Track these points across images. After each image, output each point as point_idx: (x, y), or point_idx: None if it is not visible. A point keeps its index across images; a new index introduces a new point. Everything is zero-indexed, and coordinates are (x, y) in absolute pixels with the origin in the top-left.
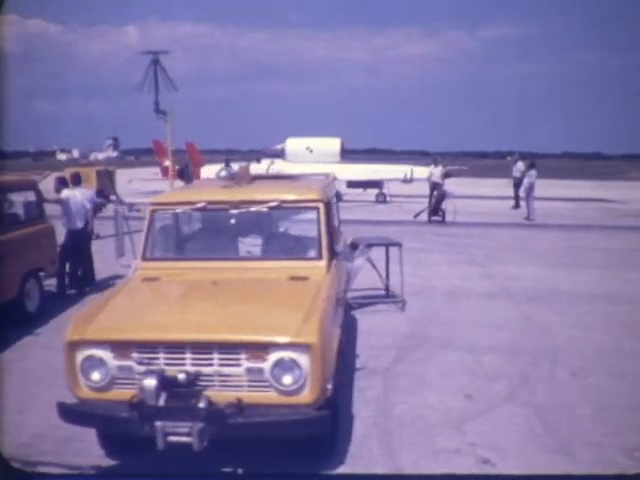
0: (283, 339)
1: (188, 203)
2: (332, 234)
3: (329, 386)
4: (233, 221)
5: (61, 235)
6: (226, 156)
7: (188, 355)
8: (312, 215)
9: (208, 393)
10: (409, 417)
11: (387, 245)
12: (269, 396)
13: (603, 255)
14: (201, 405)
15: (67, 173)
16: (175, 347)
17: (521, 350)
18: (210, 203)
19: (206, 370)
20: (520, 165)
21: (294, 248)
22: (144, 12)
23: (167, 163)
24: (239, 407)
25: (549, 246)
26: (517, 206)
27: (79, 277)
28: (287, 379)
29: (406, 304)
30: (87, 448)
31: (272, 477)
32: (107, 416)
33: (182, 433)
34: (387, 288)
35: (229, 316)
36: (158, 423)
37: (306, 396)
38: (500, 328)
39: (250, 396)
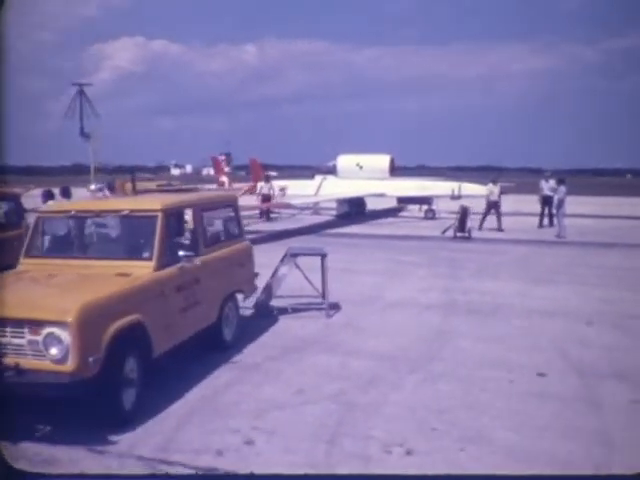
0: (49, 317)
1: (64, 212)
2: (173, 239)
3: (91, 359)
4: (93, 227)
5: None
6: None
7: (4, 327)
8: (152, 222)
9: (18, 360)
10: (223, 403)
11: (312, 255)
12: (44, 364)
13: (604, 273)
14: None
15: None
16: None
17: (400, 357)
18: (78, 212)
19: (3, 340)
20: (552, 183)
21: (133, 249)
22: (262, 31)
23: (223, 178)
24: (17, 370)
25: (554, 263)
26: (543, 224)
27: None
28: (53, 350)
29: (340, 310)
30: None
31: (272, 477)
32: None
33: None
34: (323, 296)
35: (29, 299)
36: None
37: (70, 366)
38: (402, 335)
39: (31, 363)
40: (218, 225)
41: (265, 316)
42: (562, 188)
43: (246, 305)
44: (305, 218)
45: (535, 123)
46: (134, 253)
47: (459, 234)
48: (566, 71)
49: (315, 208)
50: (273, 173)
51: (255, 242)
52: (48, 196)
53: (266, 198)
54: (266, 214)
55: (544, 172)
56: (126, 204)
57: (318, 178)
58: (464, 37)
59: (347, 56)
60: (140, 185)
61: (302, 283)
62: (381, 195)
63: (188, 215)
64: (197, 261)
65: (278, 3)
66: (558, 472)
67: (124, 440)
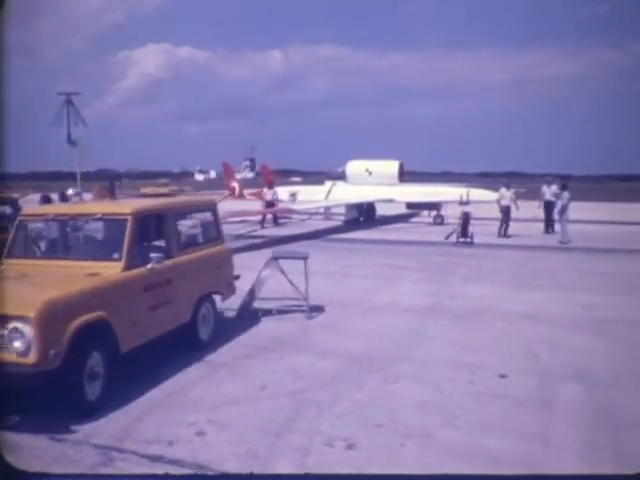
0: (13, 312)
1: (42, 215)
2: (144, 241)
3: (52, 352)
4: (69, 229)
5: None
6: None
7: None
8: (122, 225)
9: None
10: (186, 397)
11: (294, 258)
12: (10, 356)
13: (595, 279)
14: None
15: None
16: None
17: (369, 358)
18: (56, 216)
19: None
20: (554, 188)
21: (104, 251)
22: (287, 37)
23: (234, 184)
24: None
25: (548, 268)
26: (548, 230)
27: None
28: (17, 344)
29: (323, 313)
30: None
31: (272, 477)
32: None
33: None
34: (305, 298)
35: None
36: None
37: (31, 358)
38: (377, 337)
39: (2, 355)
40: (196, 229)
41: (249, 318)
42: (565, 194)
43: (231, 307)
44: (315, 224)
45: (563, 128)
46: (105, 254)
47: (461, 239)
48: (595, 75)
49: (327, 213)
50: (296, 179)
51: (257, 247)
52: (46, 201)
53: (270, 204)
54: (274, 220)
55: (545, 177)
56: (99, 208)
57: (328, 184)
58: (490, 42)
59: (372, 61)
60: (153, 190)
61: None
62: (390, 201)
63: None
64: (169, 262)
65: (303, 9)
66: (558, 472)
67: (85, 429)
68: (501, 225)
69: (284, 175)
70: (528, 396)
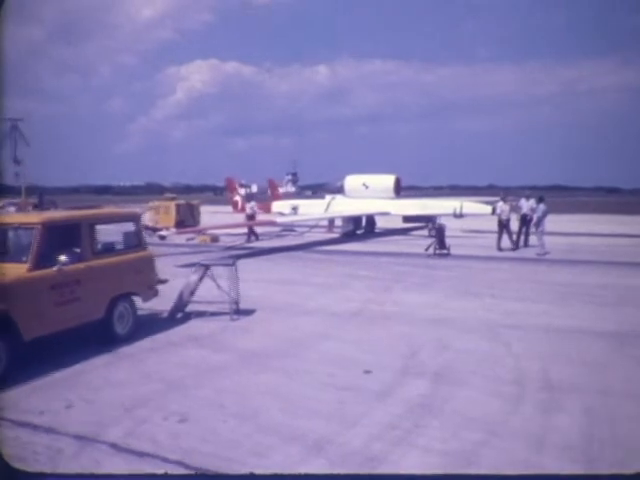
0: None
1: None
2: (54, 246)
3: None
4: None
5: None
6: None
7: None
8: (32, 233)
9: None
10: (78, 380)
11: (221, 265)
12: None
13: (544, 288)
14: None
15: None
16: None
17: (260, 353)
18: None
19: None
20: (532, 202)
21: (17, 254)
22: (334, 52)
23: (236, 198)
24: None
25: (500, 279)
26: (517, 244)
27: None
28: None
29: (251, 315)
30: None
31: (272, 477)
32: None
33: None
34: (236, 302)
35: None
36: None
37: None
38: (281, 337)
39: None
40: (115, 236)
41: (182, 319)
42: (541, 207)
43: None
44: (313, 236)
45: (612, 140)
46: (16, 257)
47: (438, 251)
48: None
49: (330, 226)
50: (307, 192)
51: (244, 257)
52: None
53: (250, 217)
54: (251, 233)
55: (524, 192)
56: (17, 219)
57: (328, 197)
58: (538, 54)
59: (419, 75)
60: (159, 204)
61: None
62: (386, 214)
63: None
64: (80, 265)
65: (351, 24)
66: (558, 472)
67: None
68: (500, 238)
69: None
70: (372, 388)
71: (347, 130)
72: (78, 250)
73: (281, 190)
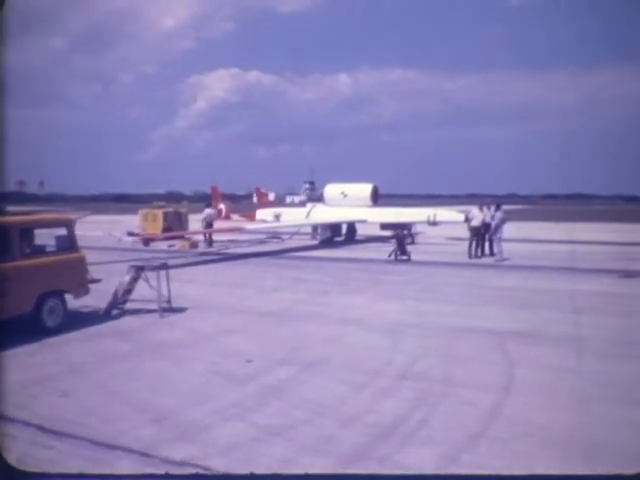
0: None
1: None
2: None
3: None
4: None
5: None
6: None
7: None
8: None
9: None
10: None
11: (154, 268)
12: None
13: (480, 292)
14: None
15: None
16: None
17: (170, 344)
18: None
19: None
20: (493, 210)
21: None
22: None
23: (221, 206)
24: None
25: (439, 283)
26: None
27: None
28: None
29: (181, 313)
30: None
31: (272, 477)
32: None
33: None
34: (169, 301)
35: None
36: None
37: None
38: (195, 332)
39: None
40: (47, 240)
41: (117, 315)
42: (498, 214)
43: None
44: (292, 243)
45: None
46: None
47: (399, 257)
48: None
49: (313, 233)
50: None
51: (211, 262)
52: None
53: (208, 225)
54: (208, 241)
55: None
56: None
57: (309, 205)
58: (562, 61)
59: (440, 84)
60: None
61: (182, 291)
62: (363, 221)
63: None
64: (9, 265)
65: (371, 33)
66: (558, 472)
67: None
68: (470, 246)
69: None
70: (242, 373)
71: (368, 138)
72: (8, 251)
73: (297, 199)
